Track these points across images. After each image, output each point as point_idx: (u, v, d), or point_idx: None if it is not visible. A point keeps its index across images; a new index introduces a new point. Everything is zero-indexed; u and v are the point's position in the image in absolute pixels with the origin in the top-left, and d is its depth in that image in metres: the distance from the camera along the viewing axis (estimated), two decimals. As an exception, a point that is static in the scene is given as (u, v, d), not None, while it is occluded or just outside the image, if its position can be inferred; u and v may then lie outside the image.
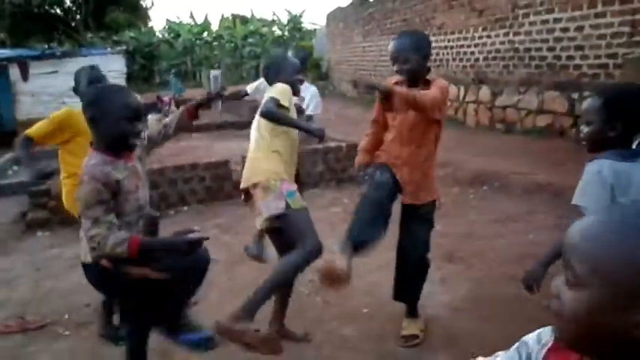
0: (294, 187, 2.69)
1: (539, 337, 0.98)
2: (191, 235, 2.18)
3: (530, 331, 1.14)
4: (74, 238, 5.09)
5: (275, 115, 2.62)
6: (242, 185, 2.77)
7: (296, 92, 2.95)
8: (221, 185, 6.07)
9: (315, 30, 25.60)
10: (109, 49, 13.42)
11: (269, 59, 3.18)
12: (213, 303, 3.54)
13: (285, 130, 2.72)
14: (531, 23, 8.45)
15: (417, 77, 2.68)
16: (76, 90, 3.22)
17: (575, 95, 7.68)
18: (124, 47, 15.18)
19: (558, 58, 8.03)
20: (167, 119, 2.68)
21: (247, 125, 11.69)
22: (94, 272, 2.18)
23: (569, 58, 7.84)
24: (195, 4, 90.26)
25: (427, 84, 2.67)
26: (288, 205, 2.55)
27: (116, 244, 1.97)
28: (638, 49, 6.85)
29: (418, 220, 2.87)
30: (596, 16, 7.34)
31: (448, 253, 3.95)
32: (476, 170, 6.20)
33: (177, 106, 15.88)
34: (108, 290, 2.44)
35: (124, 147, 2.09)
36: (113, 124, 2.03)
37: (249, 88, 4.48)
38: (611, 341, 0.73)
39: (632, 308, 0.69)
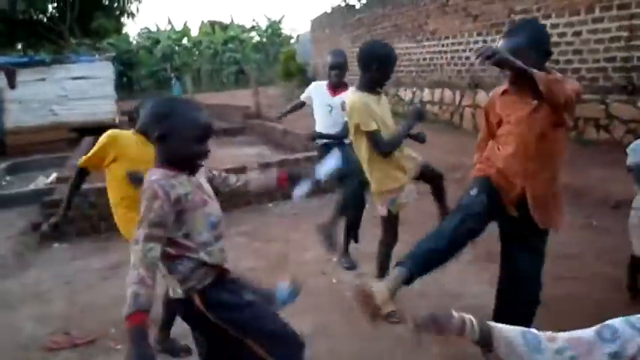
0: (395, 194, 3.16)
1: (632, 323, 1.07)
2: None
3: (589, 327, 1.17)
4: (94, 249, 5.07)
5: (389, 152, 3.07)
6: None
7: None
8: (238, 192, 6.01)
9: (297, 36, 25.61)
10: (96, 55, 13.17)
11: (366, 48, 3.23)
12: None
13: None
14: (528, 28, 8.63)
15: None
16: (133, 118, 3.11)
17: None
18: (113, 54, 14.94)
19: (556, 62, 8.21)
20: (244, 177, 2.37)
21: (240, 132, 11.80)
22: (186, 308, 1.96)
23: (568, 62, 8.04)
24: (174, 11, 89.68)
25: None
26: (389, 210, 3.21)
27: (135, 295, 1.64)
28: (636, 53, 7.08)
29: (531, 250, 2.49)
30: (594, 21, 7.56)
31: (488, 253, 3.99)
32: (490, 173, 6.29)
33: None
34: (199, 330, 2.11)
35: (191, 168, 1.92)
36: (183, 144, 1.85)
37: (304, 97, 4.56)
38: None
39: None
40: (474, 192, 2.48)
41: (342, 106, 4.23)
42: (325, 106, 4.25)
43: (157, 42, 29.02)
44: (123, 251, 4.68)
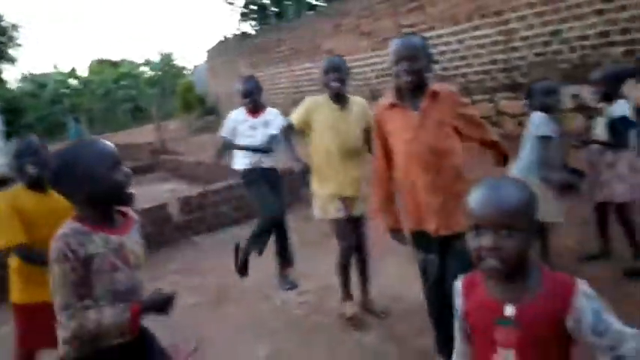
0: (322, 201, 3.37)
1: (455, 292, 1.49)
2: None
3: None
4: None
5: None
6: None
7: None
8: (161, 230, 5.90)
9: (194, 67, 25.34)
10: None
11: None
12: (220, 345, 3.48)
13: (316, 145, 3.35)
14: (417, 40, 9.23)
15: (423, 81, 2.40)
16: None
17: (467, 100, 8.53)
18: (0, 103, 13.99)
19: (445, 69, 8.86)
20: None
21: (149, 169, 11.41)
22: None
23: (456, 67, 8.71)
24: (58, 52, 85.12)
25: (432, 93, 2.40)
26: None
27: (114, 317, 1.64)
28: (514, 54, 7.83)
29: (456, 256, 2.35)
30: (475, 28, 8.27)
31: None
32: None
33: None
34: None
35: (122, 201, 1.79)
36: (99, 182, 1.70)
37: (227, 134, 4.39)
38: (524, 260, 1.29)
39: (533, 234, 1.29)
40: (419, 256, 2.59)
41: (265, 124, 4.30)
42: (250, 129, 4.27)
43: (44, 85, 27.52)
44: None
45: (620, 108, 3.41)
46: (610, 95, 3.51)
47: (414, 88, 2.41)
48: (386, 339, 3.13)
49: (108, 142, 1.81)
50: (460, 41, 8.53)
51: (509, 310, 1.29)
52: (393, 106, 2.49)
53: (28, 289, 2.65)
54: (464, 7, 8.34)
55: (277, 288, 4.21)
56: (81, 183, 1.69)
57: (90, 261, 1.65)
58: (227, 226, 6.30)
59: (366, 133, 3.31)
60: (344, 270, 3.44)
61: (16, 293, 2.70)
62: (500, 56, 8.01)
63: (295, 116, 3.38)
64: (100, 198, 1.73)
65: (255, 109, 4.28)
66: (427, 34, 8.95)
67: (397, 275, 3.97)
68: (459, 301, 1.45)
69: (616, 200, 3.54)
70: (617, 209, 3.60)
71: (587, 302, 1.24)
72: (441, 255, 2.46)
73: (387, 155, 2.58)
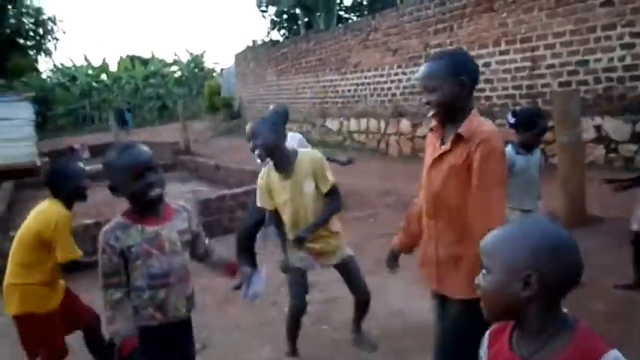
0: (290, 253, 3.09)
1: (483, 341, 1.36)
2: None
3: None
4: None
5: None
6: None
7: None
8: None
9: (221, 70, 25.71)
10: (12, 96, 12.67)
11: None
12: (224, 345, 3.58)
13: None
14: (443, 60, 9.31)
15: (451, 111, 1.98)
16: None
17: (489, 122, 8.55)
18: (32, 94, 14.40)
19: (470, 91, 8.90)
20: (212, 254, 2.42)
21: (171, 168, 11.66)
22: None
23: (480, 90, 8.74)
24: (90, 46, 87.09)
25: (456, 136, 1.96)
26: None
27: (113, 332, 1.99)
28: (539, 81, 7.85)
29: (449, 320, 2.08)
30: (501, 53, 8.32)
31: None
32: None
33: (91, 151, 15.25)
34: None
35: (146, 202, 2.01)
36: (123, 187, 2.01)
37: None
38: (511, 307, 1.16)
39: (515, 282, 1.13)
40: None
41: None
42: None
43: (74, 78, 28.16)
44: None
45: None
46: None
47: (444, 119, 2.04)
48: (387, 353, 3.19)
49: (141, 149, 2.05)
50: (486, 64, 8.58)
51: None
52: (432, 130, 2.15)
53: (53, 296, 2.82)
54: (491, 31, 8.40)
55: (285, 295, 4.29)
56: (112, 187, 2.04)
57: (126, 252, 1.99)
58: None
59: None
60: (290, 325, 3.23)
61: (44, 301, 2.76)
62: (525, 82, 8.04)
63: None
64: (129, 200, 2.05)
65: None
66: (453, 55, 9.00)
67: (402, 292, 4.02)
68: (483, 351, 1.34)
69: None
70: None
71: None
72: (441, 309, 2.16)
73: None
